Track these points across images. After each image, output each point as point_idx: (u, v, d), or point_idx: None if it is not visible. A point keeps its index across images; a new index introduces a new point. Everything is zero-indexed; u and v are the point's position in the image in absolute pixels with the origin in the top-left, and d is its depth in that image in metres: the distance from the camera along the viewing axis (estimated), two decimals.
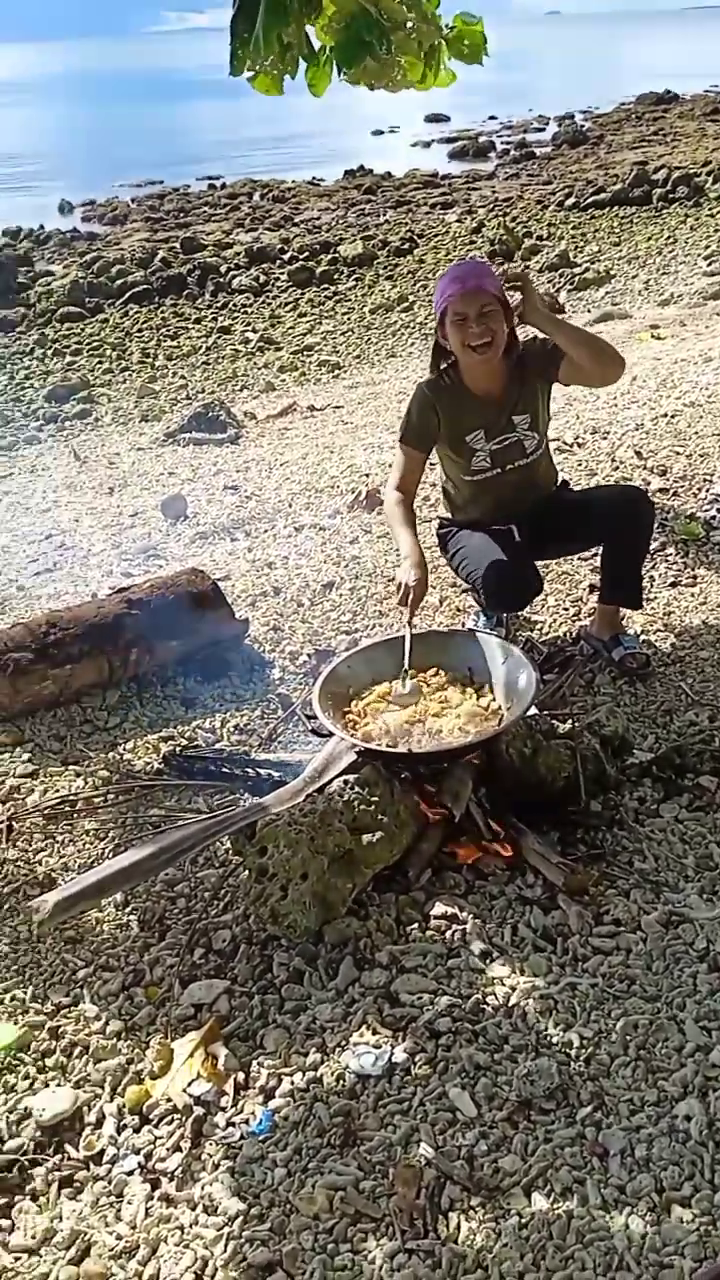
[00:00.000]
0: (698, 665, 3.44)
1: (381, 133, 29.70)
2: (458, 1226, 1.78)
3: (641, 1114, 1.94)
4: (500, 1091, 2.01)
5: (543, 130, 26.52)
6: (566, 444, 5.28)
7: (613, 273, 12.15)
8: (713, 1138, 1.89)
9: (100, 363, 10.46)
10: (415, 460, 3.34)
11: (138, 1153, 1.99)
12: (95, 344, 11.08)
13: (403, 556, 3.11)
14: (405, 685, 2.91)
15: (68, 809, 2.95)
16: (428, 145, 26.19)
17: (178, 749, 3.17)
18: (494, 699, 2.95)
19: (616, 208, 15.46)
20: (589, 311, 10.43)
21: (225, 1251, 1.79)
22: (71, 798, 2.98)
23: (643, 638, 3.57)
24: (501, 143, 24.70)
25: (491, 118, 29.54)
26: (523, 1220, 1.79)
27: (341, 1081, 2.07)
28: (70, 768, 3.14)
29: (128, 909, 2.60)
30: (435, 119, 30.28)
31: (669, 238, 13.67)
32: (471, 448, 3.28)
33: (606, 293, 11.36)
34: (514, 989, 2.24)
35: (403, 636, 2.99)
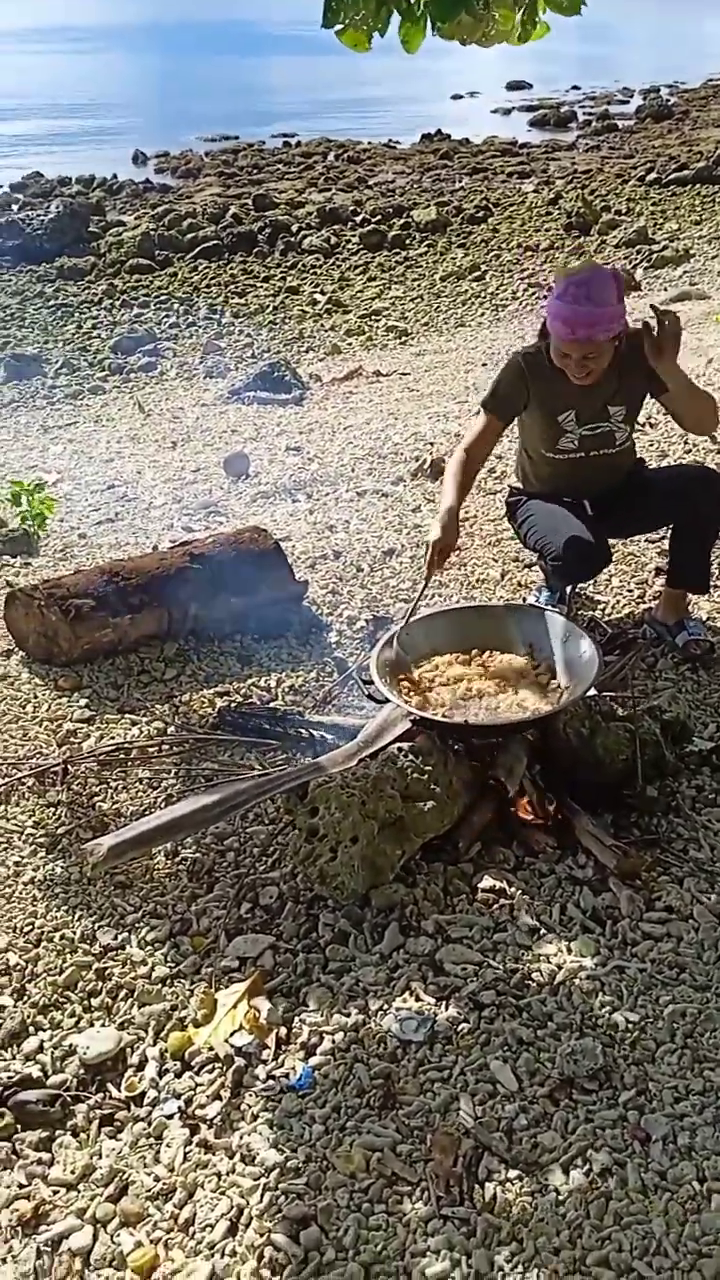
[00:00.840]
0: None
1: (461, 97, 29.17)
2: (494, 1197, 1.78)
3: (686, 1102, 1.93)
4: (542, 1068, 2.00)
5: (626, 103, 25.89)
6: (639, 423, 5.18)
7: (692, 252, 11.87)
8: None
9: (167, 316, 10.45)
10: (493, 429, 3.26)
11: (178, 1097, 2.01)
12: (163, 297, 11.07)
13: (439, 512, 3.06)
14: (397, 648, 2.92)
15: (122, 756, 2.97)
16: (508, 112, 25.69)
17: (233, 705, 3.17)
18: (554, 677, 2.91)
19: (699, 186, 15.07)
20: (665, 290, 10.21)
21: (261, 1201, 1.80)
22: (127, 745, 3.00)
23: (708, 624, 3.50)
24: (583, 113, 24.17)
25: (574, 87, 28.89)
26: (560, 1197, 1.78)
27: (383, 1044, 2.07)
28: (126, 716, 3.16)
29: (178, 859, 2.62)
30: (517, 86, 29.67)
31: None
32: (562, 427, 3.21)
33: (684, 272, 11.11)
34: (560, 967, 2.22)
35: (474, 606, 2.99)
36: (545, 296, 10.50)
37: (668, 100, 24.48)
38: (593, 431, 3.22)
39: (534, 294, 10.80)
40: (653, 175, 15.67)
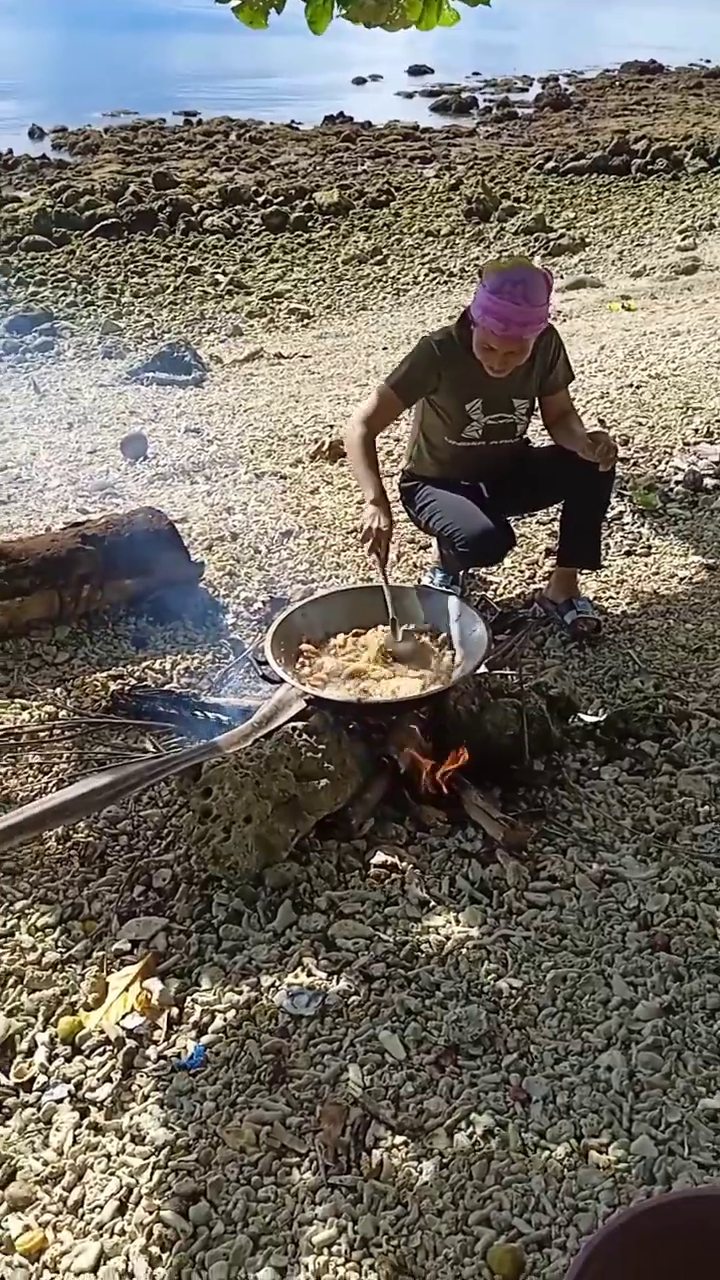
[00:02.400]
0: (646, 633, 3.48)
1: (364, 81, 29.07)
2: (380, 1163, 1.82)
3: (565, 1063, 1.99)
4: (429, 1036, 2.05)
5: (526, 91, 26.13)
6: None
7: (588, 241, 12.09)
8: (633, 1088, 1.95)
9: (65, 295, 10.20)
10: (394, 408, 3.27)
11: (68, 1081, 2.00)
12: (60, 276, 10.80)
13: (369, 500, 3.05)
14: (398, 635, 2.91)
15: (12, 741, 2.92)
16: (409, 97, 25.69)
17: (126, 688, 3.14)
18: (447, 656, 2.96)
19: (595, 175, 15.32)
20: (562, 278, 10.38)
21: (151, 1180, 1.81)
22: (16, 730, 2.95)
23: (595, 603, 3.60)
24: (484, 100, 24.31)
25: (475, 74, 29.03)
26: (444, 1160, 1.83)
27: (274, 1020, 2.09)
28: (16, 700, 3.10)
29: (69, 844, 2.59)
30: (418, 71, 29.69)
31: (645, 210, 13.61)
32: (468, 416, 3.25)
33: (580, 260, 11.31)
34: (449, 938, 2.28)
35: (370, 586, 3.00)
36: (447, 282, 10.60)
37: (566, 90, 24.80)
38: (496, 421, 3.27)
39: (435, 279, 10.87)
40: (551, 164, 15.87)
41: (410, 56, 28.89)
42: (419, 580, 3.71)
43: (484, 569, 3.82)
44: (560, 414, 3.37)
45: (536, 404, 3.37)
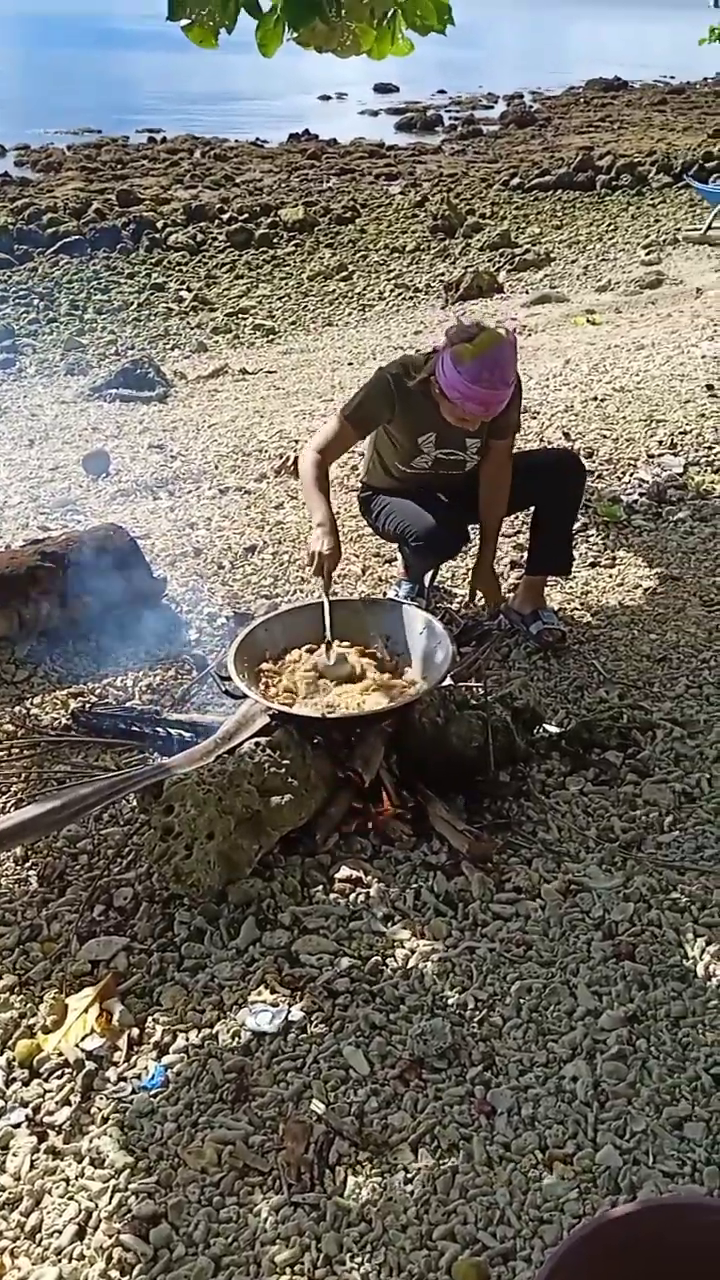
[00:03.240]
0: (611, 644, 3.50)
1: (329, 98, 29.30)
2: (344, 1181, 1.80)
3: (530, 1074, 1.98)
4: (394, 1050, 2.03)
5: (491, 108, 26.44)
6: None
7: (553, 256, 12.20)
8: (598, 1099, 1.94)
9: (27, 312, 10.17)
10: (348, 438, 3.25)
11: (26, 1105, 1.97)
12: (22, 293, 10.76)
13: (315, 523, 3.04)
14: (330, 656, 2.90)
15: None
16: (375, 114, 25.92)
17: (87, 705, 3.12)
18: (410, 669, 2.96)
19: (560, 191, 15.50)
20: (527, 292, 10.47)
21: (110, 1203, 1.78)
22: None
23: (560, 615, 3.61)
24: (449, 117, 24.57)
25: (440, 92, 29.35)
26: (408, 1175, 1.81)
27: (236, 1038, 2.07)
28: None
29: (27, 864, 2.56)
30: (384, 89, 29.98)
31: (610, 225, 13.77)
32: (420, 448, 3.26)
33: (545, 275, 11.41)
34: (413, 951, 2.26)
35: (336, 600, 2.99)
36: (413, 298, 10.65)
37: (531, 107, 25.11)
38: (447, 456, 3.30)
39: (400, 295, 10.93)
40: (516, 180, 16.04)
41: (375, 75, 29.16)
42: (384, 594, 3.71)
43: (448, 578, 3.83)
44: (500, 460, 3.34)
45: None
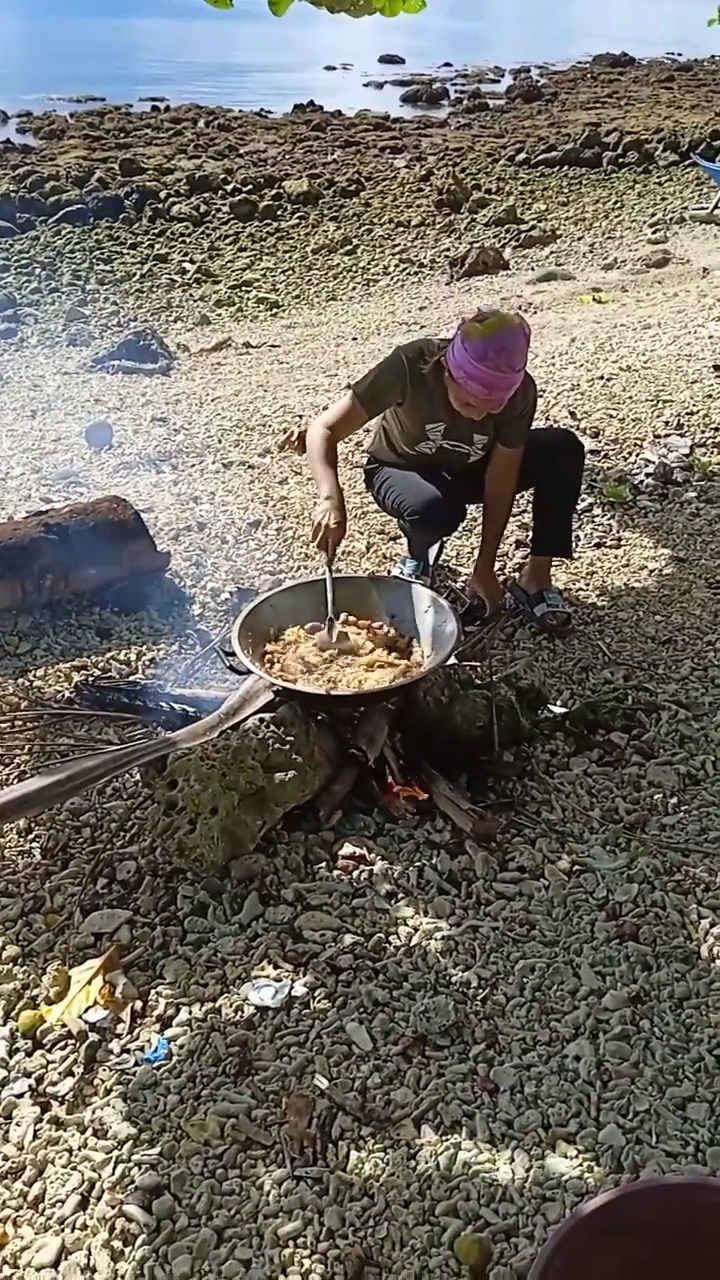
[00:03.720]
0: (616, 625, 3.49)
1: (334, 69, 28.94)
2: (346, 1155, 1.81)
3: (533, 1053, 1.99)
4: (397, 1027, 2.03)
5: (498, 82, 26.14)
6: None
7: (559, 233, 12.11)
8: (600, 1078, 1.94)
9: (29, 281, 10.07)
10: (359, 417, 3.21)
11: (29, 1076, 1.97)
12: (24, 262, 10.66)
13: (322, 497, 3.00)
14: (332, 634, 2.89)
15: None
16: (380, 87, 25.61)
17: (91, 678, 3.10)
18: (416, 647, 2.95)
19: (566, 167, 15.35)
20: (533, 270, 10.39)
21: (113, 1174, 1.78)
22: None
23: (565, 595, 3.60)
24: (455, 91, 24.28)
25: (446, 64, 28.98)
26: (411, 1151, 1.82)
27: (240, 1012, 2.07)
28: None
29: (31, 836, 2.55)
30: (389, 60, 29.60)
31: (616, 202, 13.65)
32: (427, 435, 3.24)
33: (551, 252, 11.32)
34: (417, 929, 2.26)
35: (340, 577, 2.98)
36: (418, 273, 10.56)
37: (538, 81, 24.80)
38: (452, 447, 3.28)
39: (405, 270, 10.84)
40: (522, 155, 15.88)
41: (381, 46, 28.81)
42: (389, 571, 3.69)
43: (453, 556, 3.81)
44: (508, 462, 3.32)
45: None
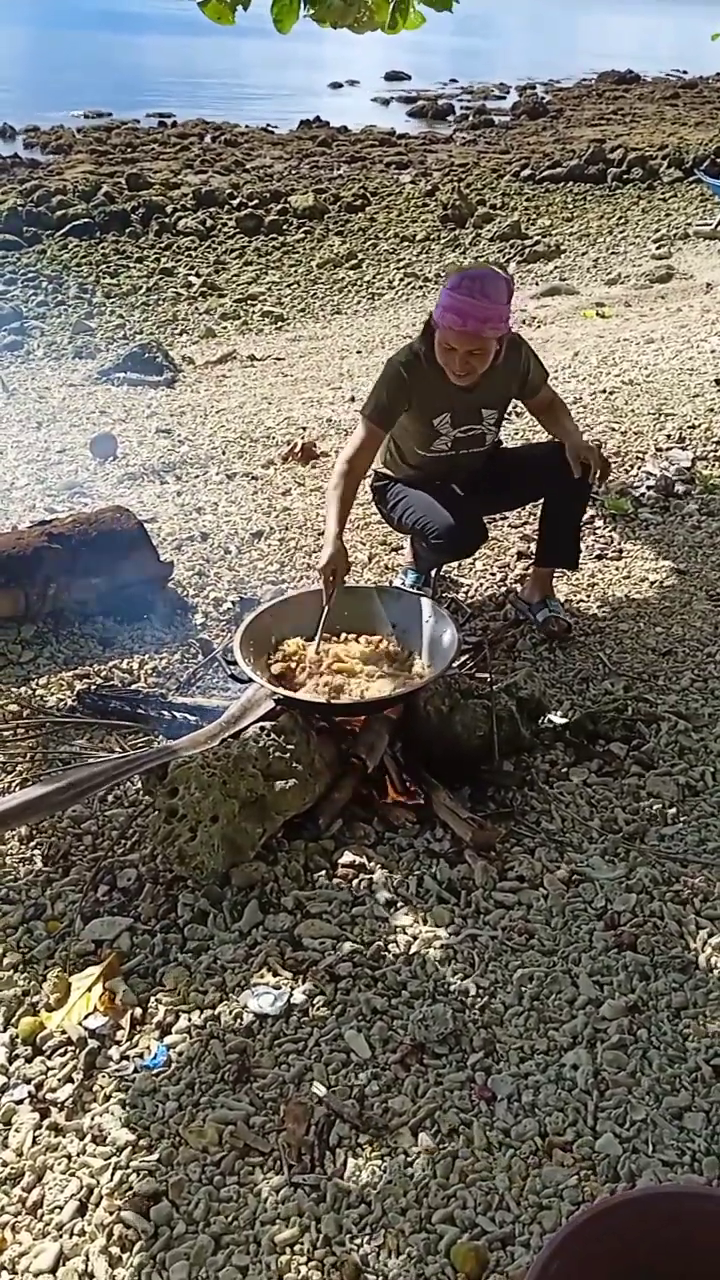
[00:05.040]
0: (617, 636, 3.50)
1: (340, 86, 29.14)
2: (344, 1163, 1.81)
3: (530, 1061, 1.99)
4: (395, 1035, 2.04)
5: (503, 98, 26.31)
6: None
7: (563, 248, 12.18)
8: (597, 1087, 1.95)
9: (35, 294, 10.16)
10: (376, 438, 3.21)
11: (28, 1082, 1.97)
12: (31, 275, 10.75)
13: (326, 539, 3.00)
14: (317, 652, 2.90)
15: None
16: (386, 103, 25.78)
17: (93, 687, 3.12)
18: (417, 657, 2.96)
19: (571, 183, 15.46)
20: (537, 284, 10.44)
21: (112, 1180, 1.79)
22: None
23: (566, 606, 3.61)
24: (461, 107, 24.44)
25: (452, 80, 29.20)
26: (408, 1159, 1.82)
27: (239, 1020, 2.08)
28: None
29: (32, 843, 2.56)
30: (395, 77, 29.82)
31: (620, 218, 13.73)
32: (437, 430, 3.24)
33: (555, 267, 11.39)
34: (416, 938, 2.27)
35: (345, 587, 3.01)
36: (422, 287, 10.63)
37: (543, 98, 24.97)
38: (466, 433, 3.28)
39: (410, 284, 10.90)
40: (527, 171, 15.99)
41: (387, 62, 29.03)
42: (390, 582, 3.71)
43: (454, 568, 3.82)
44: (546, 406, 3.41)
45: (508, 412, 3.38)
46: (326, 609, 2.96)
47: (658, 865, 2.49)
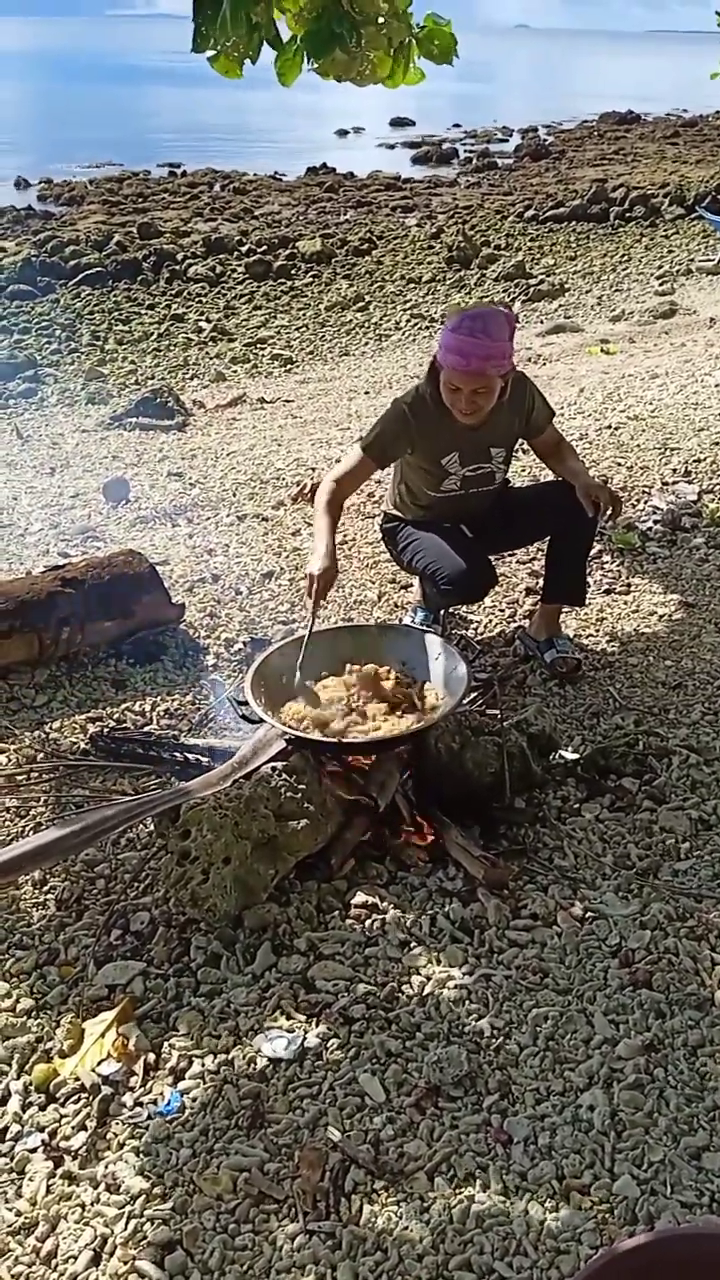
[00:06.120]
0: (626, 671, 3.50)
1: (346, 133, 29.69)
2: (360, 1209, 1.79)
3: (547, 1103, 1.97)
4: (410, 1078, 2.02)
5: (506, 141, 26.75)
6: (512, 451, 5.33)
7: (567, 286, 12.31)
8: (614, 1128, 1.92)
9: (49, 343, 10.32)
10: (367, 470, 3.27)
11: (42, 1130, 1.97)
12: (45, 323, 10.93)
13: (315, 546, 3.05)
14: (296, 684, 2.90)
15: None
16: (391, 148, 26.24)
17: (105, 730, 3.14)
18: (427, 695, 2.97)
19: (574, 223, 15.66)
20: (541, 322, 10.55)
21: (126, 1229, 1.78)
22: None
23: (575, 641, 3.61)
24: (465, 151, 24.85)
25: (456, 125, 29.71)
26: (424, 1204, 1.80)
27: (252, 1064, 2.07)
28: None
29: (45, 888, 2.57)
30: (400, 122, 30.38)
31: (624, 256, 13.88)
32: (446, 470, 3.27)
33: (560, 305, 11.50)
34: (429, 978, 2.26)
35: (350, 626, 3.00)
36: (429, 327, 10.75)
37: (545, 140, 25.38)
38: (475, 472, 3.31)
39: (417, 325, 11.03)
40: (530, 212, 16.21)
41: (392, 109, 29.57)
42: (400, 620, 3.73)
43: (464, 608, 3.84)
44: (553, 447, 3.44)
45: (515, 449, 3.41)
46: (310, 619, 2.96)
47: (672, 901, 2.48)
